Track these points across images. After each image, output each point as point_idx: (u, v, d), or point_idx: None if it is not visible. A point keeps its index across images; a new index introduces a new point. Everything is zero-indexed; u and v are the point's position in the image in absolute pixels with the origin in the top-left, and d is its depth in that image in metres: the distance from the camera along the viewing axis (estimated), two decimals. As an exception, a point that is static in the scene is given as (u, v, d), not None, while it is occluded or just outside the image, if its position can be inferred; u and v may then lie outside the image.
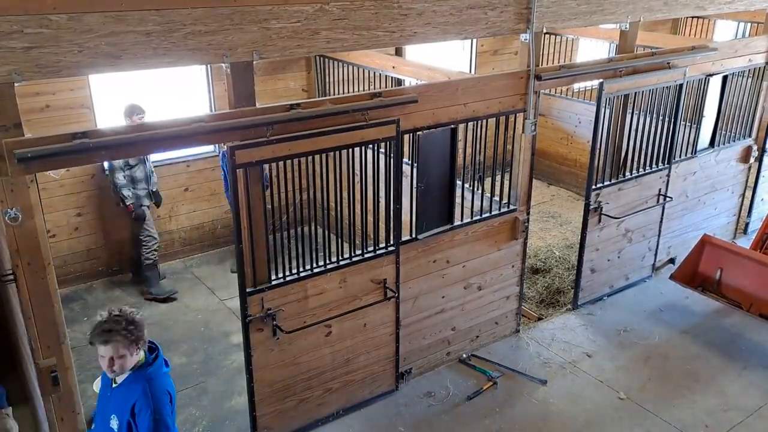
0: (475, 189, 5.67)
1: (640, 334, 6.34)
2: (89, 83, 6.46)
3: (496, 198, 5.70)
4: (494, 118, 5.34)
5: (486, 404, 5.37)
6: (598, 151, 6.12)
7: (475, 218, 5.53)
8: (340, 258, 4.82)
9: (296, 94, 7.83)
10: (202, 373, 5.67)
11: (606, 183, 6.33)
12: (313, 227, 5.56)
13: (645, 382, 5.67)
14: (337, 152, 4.56)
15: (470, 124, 5.24)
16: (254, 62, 3.95)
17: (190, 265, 7.48)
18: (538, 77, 5.35)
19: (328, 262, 4.77)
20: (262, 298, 4.47)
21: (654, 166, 6.72)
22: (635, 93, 6.22)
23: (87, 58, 3.38)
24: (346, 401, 5.21)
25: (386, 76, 6.79)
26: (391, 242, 5.01)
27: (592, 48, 9.82)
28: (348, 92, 7.24)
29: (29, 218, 3.44)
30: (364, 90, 6.68)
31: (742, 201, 8.12)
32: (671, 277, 6.66)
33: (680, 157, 6.98)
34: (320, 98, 5.11)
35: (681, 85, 6.50)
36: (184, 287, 7.03)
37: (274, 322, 4.53)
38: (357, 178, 4.84)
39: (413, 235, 5.15)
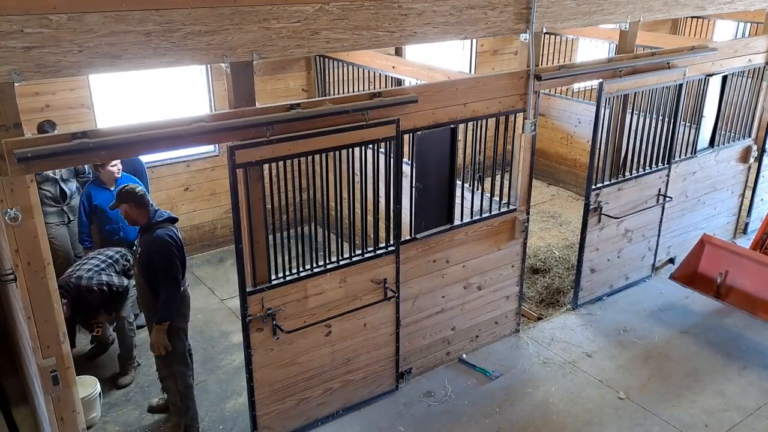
0: (475, 189, 5.67)
1: (640, 333, 6.34)
2: (89, 83, 6.47)
3: (496, 198, 5.71)
4: (494, 118, 5.34)
5: (486, 404, 5.37)
6: (597, 151, 6.12)
7: (474, 218, 5.53)
8: (340, 258, 4.82)
9: (296, 94, 7.84)
10: (202, 373, 5.67)
11: (606, 183, 6.34)
12: (313, 227, 5.57)
13: (645, 382, 5.67)
14: (337, 152, 4.56)
15: (470, 124, 5.25)
16: (254, 62, 3.95)
17: (190, 265, 7.46)
18: (537, 77, 5.35)
19: (328, 261, 4.77)
20: (262, 298, 4.47)
21: (654, 166, 6.72)
22: (635, 93, 6.22)
23: (87, 58, 3.38)
24: (346, 401, 5.22)
25: (386, 76, 6.79)
26: (391, 242, 5.02)
27: (592, 48, 9.83)
28: (348, 92, 7.24)
29: (29, 218, 3.44)
30: (364, 90, 6.68)
31: (742, 201, 8.12)
32: (671, 277, 6.65)
33: (680, 157, 6.99)
34: (320, 98, 5.10)
35: (681, 85, 6.50)
36: (184, 287, 7.03)
37: (274, 322, 4.53)
38: (357, 178, 4.84)
39: (413, 235, 5.15)
